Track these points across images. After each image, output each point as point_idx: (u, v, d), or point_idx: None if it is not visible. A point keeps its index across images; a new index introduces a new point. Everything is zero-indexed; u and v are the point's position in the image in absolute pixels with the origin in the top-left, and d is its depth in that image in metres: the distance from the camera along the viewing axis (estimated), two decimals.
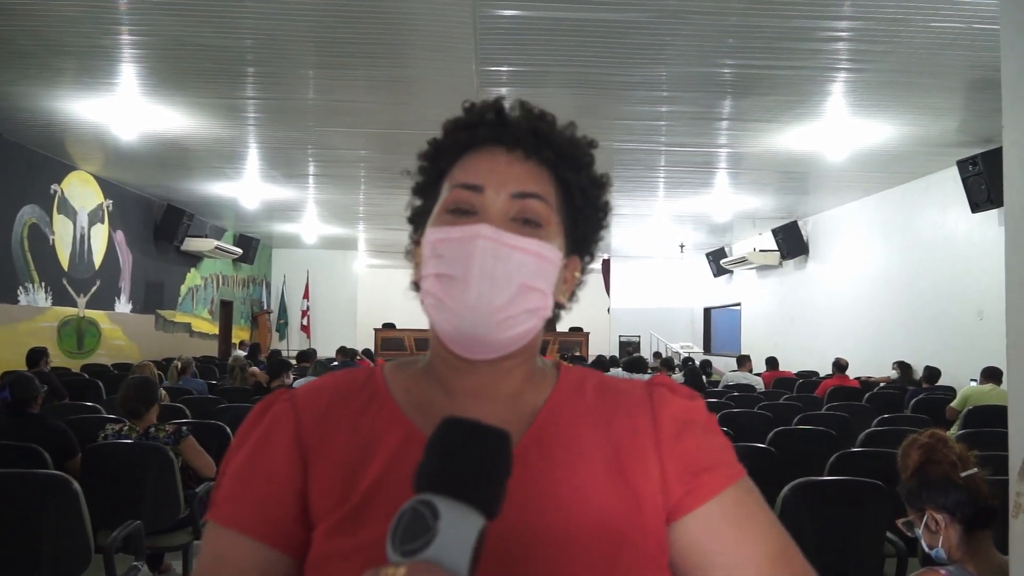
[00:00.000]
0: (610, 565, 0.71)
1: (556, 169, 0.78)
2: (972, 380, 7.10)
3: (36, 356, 7.30)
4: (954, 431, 5.85)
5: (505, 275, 0.72)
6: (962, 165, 7.84)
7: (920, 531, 1.74)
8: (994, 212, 7.86)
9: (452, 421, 0.60)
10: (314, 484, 0.75)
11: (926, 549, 1.75)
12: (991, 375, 6.55)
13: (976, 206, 7.83)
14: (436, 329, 0.76)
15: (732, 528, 0.76)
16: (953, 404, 6.44)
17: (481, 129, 0.78)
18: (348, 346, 11.03)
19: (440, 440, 0.59)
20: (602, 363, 9.02)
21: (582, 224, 0.81)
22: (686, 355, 13.85)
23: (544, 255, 0.75)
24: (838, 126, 7.25)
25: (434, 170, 0.80)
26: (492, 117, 0.79)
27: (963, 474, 1.69)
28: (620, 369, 7.45)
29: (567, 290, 0.82)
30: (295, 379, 6.55)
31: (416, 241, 0.81)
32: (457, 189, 0.76)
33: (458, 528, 0.54)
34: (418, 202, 0.82)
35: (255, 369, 8.37)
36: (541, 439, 0.76)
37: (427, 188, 0.81)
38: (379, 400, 0.79)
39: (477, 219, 0.74)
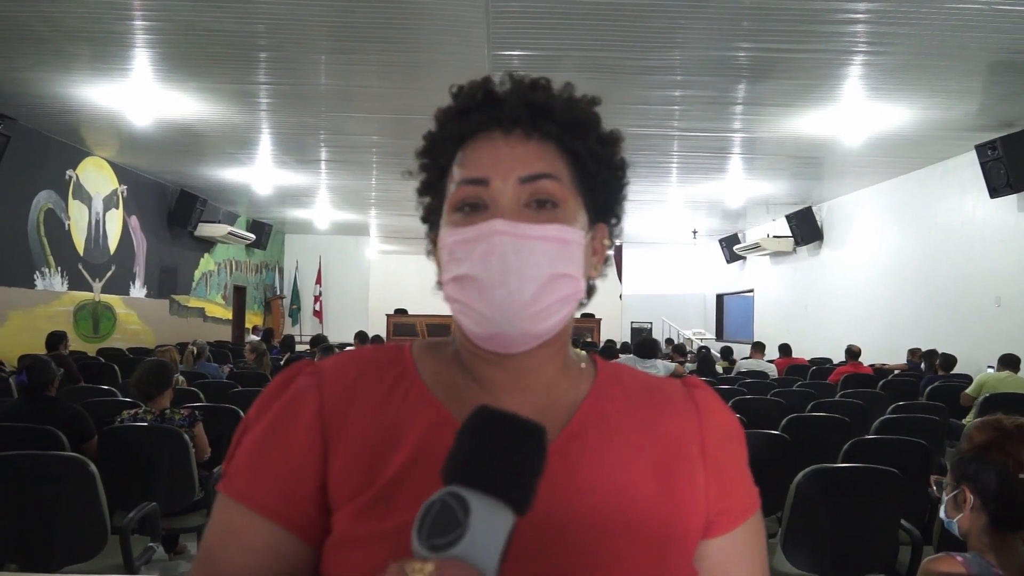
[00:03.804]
0: (657, 564, 0.70)
1: (561, 141, 0.73)
2: (989, 367, 7.04)
3: (55, 340, 7.37)
4: (970, 419, 5.81)
5: (530, 267, 0.68)
6: (981, 149, 7.73)
7: (946, 496, 1.73)
8: (1013, 197, 7.76)
9: (486, 411, 0.57)
10: (335, 465, 0.71)
11: (942, 514, 1.74)
12: (1008, 362, 6.49)
13: (995, 191, 7.72)
14: (465, 331, 0.73)
15: (743, 564, 0.78)
16: (968, 391, 6.39)
17: (473, 115, 0.73)
18: (363, 331, 11.04)
19: (473, 430, 0.56)
20: (611, 349, 8.95)
21: (601, 190, 0.76)
22: (702, 343, 13.81)
23: (566, 238, 0.71)
24: (854, 110, 7.16)
25: (435, 167, 0.76)
26: (482, 99, 0.73)
27: (1021, 475, 1.64)
28: (632, 355, 7.41)
29: (598, 262, 0.79)
30: None
31: (434, 241, 0.78)
32: (461, 186, 0.72)
33: (489, 525, 0.52)
34: (427, 200, 0.79)
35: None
36: (582, 432, 0.74)
37: (432, 185, 0.77)
38: (408, 380, 0.76)
39: (489, 214, 0.70)
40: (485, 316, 0.69)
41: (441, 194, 0.75)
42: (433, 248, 0.78)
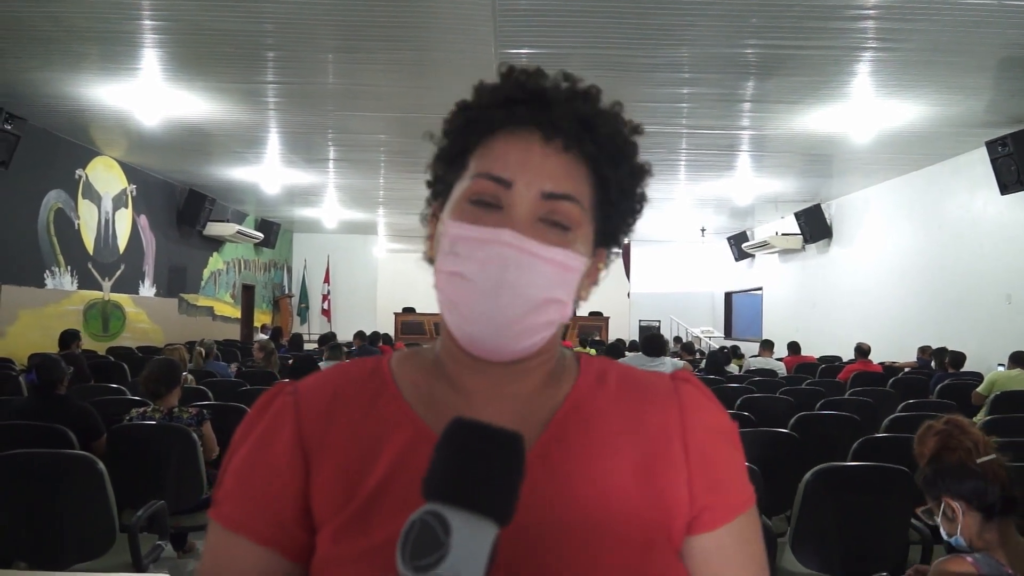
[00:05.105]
0: (639, 567, 0.69)
1: (595, 163, 0.71)
2: (1000, 365, 6.99)
3: (68, 338, 7.40)
4: (981, 417, 5.77)
5: (525, 286, 0.67)
6: (991, 146, 7.68)
7: (939, 519, 1.72)
8: None
9: (460, 423, 0.56)
10: (316, 484, 0.71)
11: (945, 537, 1.73)
12: (1019, 360, 6.44)
13: (1005, 187, 7.67)
14: (448, 325, 0.72)
15: (731, 563, 0.75)
16: (979, 389, 6.34)
17: (519, 108, 0.70)
18: (369, 330, 11.06)
19: (448, 445, 0.56)
20: (617, 348, 8.87)
21: (616, 219, 0.76)
22: (716, 344, 13.76)
23: (569, 264, 0.69)
24: (864, 107, 7.12)
25: (460, 141, 0.73)
26: (530, 92, 0.71)
27: (979, 460, 1.66)
28: (640, 354, 7.37)
29: (589, 284, 0.77)
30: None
31: (434, 212, 0.76)
32: (483, 179, 0.69)
33: (471, 541, 0.52)
34: (440, 169, 0.76)
35: None
36: (563, 435, 0.72)
37: (451, 158, 0.74)
38: (386, 394, 0.75)
39: (501, 217, 0.68)
40: (469, 320, 0.69)
41: (457, 169, 0.73)
42: (430, 217, 0.76)
